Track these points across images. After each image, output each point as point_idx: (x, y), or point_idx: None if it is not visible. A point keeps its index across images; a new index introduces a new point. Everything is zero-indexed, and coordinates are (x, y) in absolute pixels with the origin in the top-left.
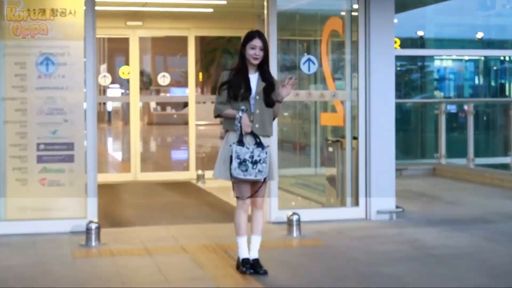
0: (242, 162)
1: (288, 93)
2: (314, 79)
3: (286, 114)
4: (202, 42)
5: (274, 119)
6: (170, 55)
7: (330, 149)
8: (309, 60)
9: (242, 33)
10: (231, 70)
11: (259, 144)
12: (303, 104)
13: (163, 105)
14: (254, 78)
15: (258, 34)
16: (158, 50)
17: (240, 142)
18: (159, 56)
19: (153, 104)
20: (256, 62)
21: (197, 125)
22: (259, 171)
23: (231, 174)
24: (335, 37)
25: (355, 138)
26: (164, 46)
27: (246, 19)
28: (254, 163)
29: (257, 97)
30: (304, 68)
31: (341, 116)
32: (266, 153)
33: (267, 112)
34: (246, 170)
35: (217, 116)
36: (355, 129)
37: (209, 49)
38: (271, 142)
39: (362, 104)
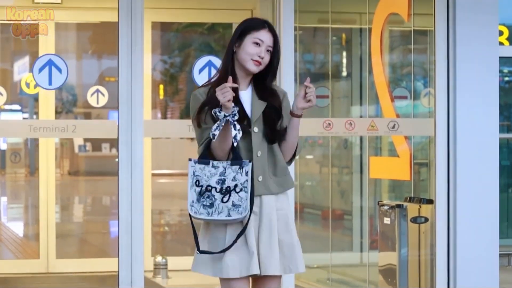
0: (204, 192)
1: (305, 107)
2: (359, 96)
3: (309, 157)
4: (165, 32)
5: (293, 157)
6: (108, 54)
7: (387, 220)
8: None
9: (233, 18)
10: (207, 86)
11: (234, 158)
12: (339, 141)
13: (96, 142)
14: (246, 97)
15: (268, 25)
16: (87, 46)
17: (203, 158)
18: (89, 56)
19: (79, 140)
20: (257, 69)
21: (155, 176)
22: (234, 205)
23: (189, 214)
24: (396, 25)
25: (429, 201)
26: (98, 39)
27: None
28: (226, 192)
29: (255, 130)
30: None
31: (406, 163)
32: (246, 173)
33: (273, 152)
34: (211, 205)
35: (205, 150)
36: (430, 186)
37: (178, 45)
38: (290, 203)
39: (442, 142)
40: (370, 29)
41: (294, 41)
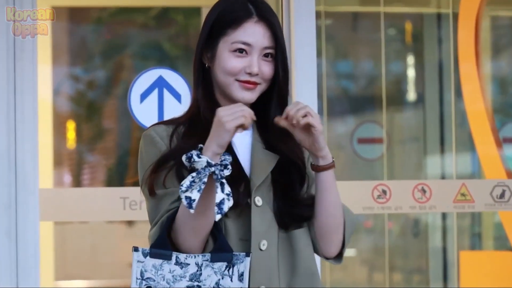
0: None
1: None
2: (438, 139)
3: (349, 254)
4: (78, 25)
5: (343, 246)
6: None
7: None
8: None
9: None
10: (172, 124)
11: (218, 249)
12: (403, 223)
13: None
14: (243, 144)
15: (256, 9)
16: None
17: (159, 248)
18: None
19: None
20: (252, 94)
21: None
22: None
23: None
24: (504, 7)
25: None
26: None
27: None
28: None
29: (258, 202)
30: None
31: None
32: (241, 276)
33: (290, 243)
34: None
35: (163, 234)
36: None
37: (102, 48)
38: None
39: None
40: (455, 16)
41: (316, 38)
